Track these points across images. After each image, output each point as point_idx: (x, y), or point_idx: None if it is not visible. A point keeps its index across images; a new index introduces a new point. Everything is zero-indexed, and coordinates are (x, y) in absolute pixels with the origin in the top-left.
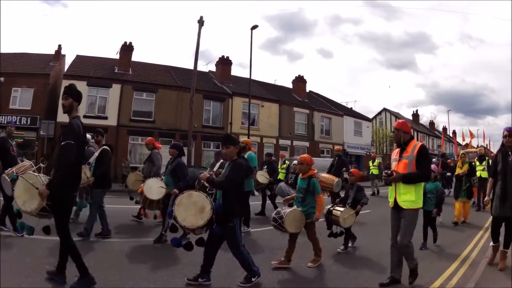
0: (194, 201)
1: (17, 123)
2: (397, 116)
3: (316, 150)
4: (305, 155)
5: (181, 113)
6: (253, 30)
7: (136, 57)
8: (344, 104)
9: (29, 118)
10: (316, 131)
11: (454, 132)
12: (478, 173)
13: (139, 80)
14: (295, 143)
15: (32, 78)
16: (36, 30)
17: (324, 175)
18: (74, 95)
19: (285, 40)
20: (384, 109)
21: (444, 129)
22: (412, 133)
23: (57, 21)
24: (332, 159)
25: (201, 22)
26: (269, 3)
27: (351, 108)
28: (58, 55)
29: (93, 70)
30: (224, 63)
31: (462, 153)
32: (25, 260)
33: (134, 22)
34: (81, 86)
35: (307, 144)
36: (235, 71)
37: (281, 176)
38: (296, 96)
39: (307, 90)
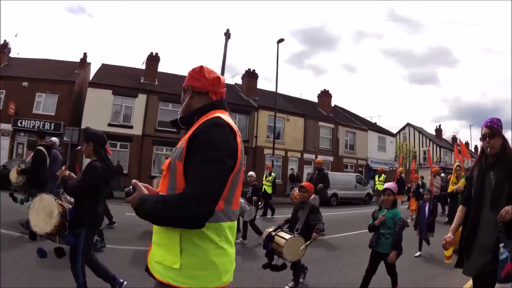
0: (44, 205)
1: (41, 128)
2: (420, 131)
3: (340, 165)
4: None
5: None
6: (279, 44)
7: (162, 68)
8: (368, 118)
9: (52, 124)
10: (341, 145)
11: (476, 147)
12: None
13: (165, 91)
14: (320, 157)
15: (56, 84)
16: (62, 38)
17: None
18: None
19: (310, 54)
20: (408, 124)
21: (467, 144)
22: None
23: (83, 30)
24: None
25: (227, 35)
26: (293, 17)
27: (375, 123)
28: (84, 63)
29: (118, 79)
30: (250, 76)
31: (457, 165)
32: (26, 260)
33: (160, 33)
34: (106, 94)
35: (331, 158)
36: (261, 84)
37: (268, 190)
38: (321, 111)
39: (332, 105)
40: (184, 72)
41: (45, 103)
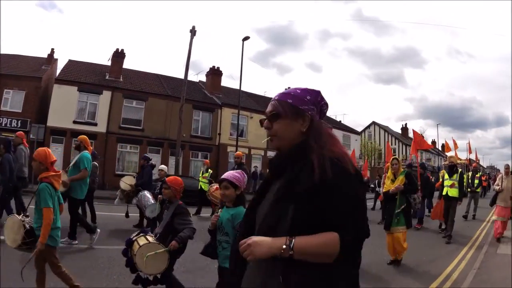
0: None
1: (8, 125)
2: (386, 129)
3: None
4: (41, 148)
5: (170, 123)
6: (244, 42)
7: (127, 64)
8: (333, 117)
9: (19, 121)
10: None
11: (443, 146)
12: (444, 190)
13: (129, 88)
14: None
15: (24, 81)
16: (31, 33)
17: (218, 187)
18: None
19: (275, 53)
20: (373, 123)
21: (433, 142)
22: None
23: (52, 25)
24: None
25: (193, 32)
26: (260, 15)
27: (340, 121)
28: (51, 59)
29: (84, 75)
30: (215, 73)
31: (393, 159)
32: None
33: (127, 29)
34: (72, 91)
35: None
36: (225, 82)
37: (204, 187)
38: None
39: None
40: (150, 69)
41: (13, 100)
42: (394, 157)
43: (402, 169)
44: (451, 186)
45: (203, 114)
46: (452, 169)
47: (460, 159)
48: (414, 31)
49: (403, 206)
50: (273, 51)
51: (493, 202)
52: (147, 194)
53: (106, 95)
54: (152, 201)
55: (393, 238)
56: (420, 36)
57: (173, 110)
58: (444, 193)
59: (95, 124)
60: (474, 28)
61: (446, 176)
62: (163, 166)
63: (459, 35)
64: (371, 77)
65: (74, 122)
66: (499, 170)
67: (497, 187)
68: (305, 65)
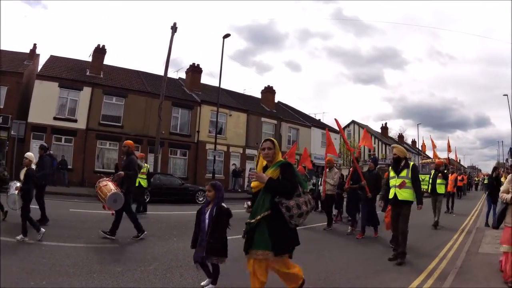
0: None
1: None
2: (366, 128)
3: None
4: None
5: (150, 119)
6: (225, 39)
7: (108, 60)
8: (312, 115)
9: (1, 117)
10: (283, 141)
11: (423, 145)
12: (391, 192)
13: (109, 84)
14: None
15: (5, 76)
16: (14, 28)
17: (107, 182)
18: None
19: (255, 52)
20: (353, 121)
21: (413, 142)
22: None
23: (36, 20)
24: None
25: (174, 28)
26: (240, 14)
27: (319, 119)
28: (33, 54)
29: (65, 71)
30: (194, 71)
31: (266, 140)
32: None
33: (109, 25)
34: (53, 87)
35: None
36: (205, 79)
37: (143, 183)
38: (265, 106)
39: (276, 101)
40: (130, 65)
41: None
42: (268, 138)
43: (280, 158)
44: (400, 186)
45: (182, 111)
46: (398, 163)
47: (440, 158)
48: (395, 32)
49: (259, 217)
50: (252, 50)
51: (500, 221)
52: (14, 183)
53: (87, 91)
54: (13, 191)
55: (254, 265)
56: (401, 37)
57: (152, 107)
58: (391, 195)
59: (75, 121)
60: (456, 29)
61: (392, 173)
62: (28, 154)
63: (440, 36)
64: (350, 77)
65: (55, 118)
66: (480, 170)
67: (509, 196)
68: (284, 64)
